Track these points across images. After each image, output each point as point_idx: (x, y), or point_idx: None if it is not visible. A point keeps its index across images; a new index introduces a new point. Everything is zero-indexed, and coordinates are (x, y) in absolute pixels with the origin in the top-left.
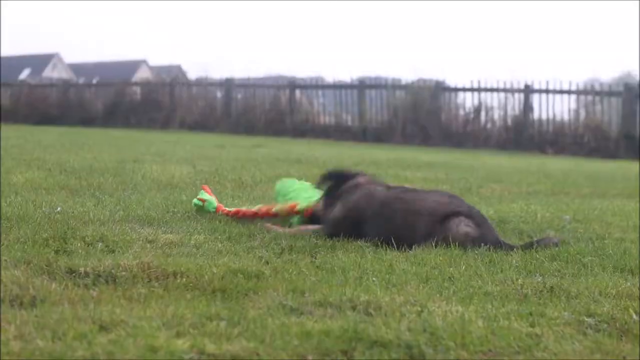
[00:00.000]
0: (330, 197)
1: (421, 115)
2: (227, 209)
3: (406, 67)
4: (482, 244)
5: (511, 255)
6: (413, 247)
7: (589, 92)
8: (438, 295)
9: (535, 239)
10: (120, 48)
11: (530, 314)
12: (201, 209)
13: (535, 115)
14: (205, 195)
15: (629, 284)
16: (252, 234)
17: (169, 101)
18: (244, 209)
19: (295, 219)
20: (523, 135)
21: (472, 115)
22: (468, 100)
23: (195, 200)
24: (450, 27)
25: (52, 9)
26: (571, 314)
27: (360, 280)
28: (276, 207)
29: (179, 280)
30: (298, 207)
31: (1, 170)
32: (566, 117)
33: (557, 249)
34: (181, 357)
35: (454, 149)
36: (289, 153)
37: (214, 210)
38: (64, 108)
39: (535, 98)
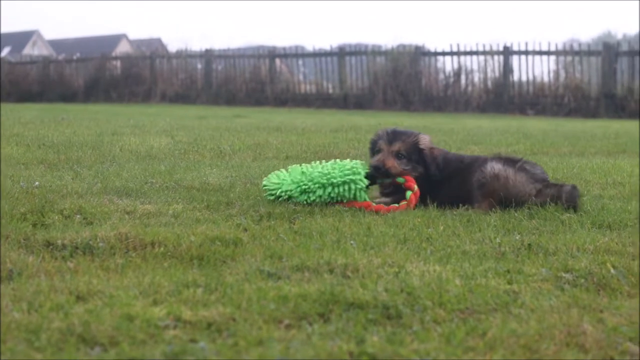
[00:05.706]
0: None
1: (401, 80)
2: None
3: (386, 33)
4: None
5: (489, 215)
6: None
7: (569, 53)
8: (416, 255)
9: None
10: (100, 23)
11: (508, 271)
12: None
13: (515, 77)
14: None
15: (606, 239)
16: (230, 202)
17: (150, 74)
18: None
19: None
20: (503, 97)
21: (452, 79)
22: (448, 64)
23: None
24: None
25: None
26: (549, 270)
27: (338, 243)
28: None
29: (156, 250)
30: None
31: None
32: (546, 78)
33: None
34: (157, 325)
35: (435, 113)
36: (268, 122)
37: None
38: (44, 85)
39: (515, 60)
